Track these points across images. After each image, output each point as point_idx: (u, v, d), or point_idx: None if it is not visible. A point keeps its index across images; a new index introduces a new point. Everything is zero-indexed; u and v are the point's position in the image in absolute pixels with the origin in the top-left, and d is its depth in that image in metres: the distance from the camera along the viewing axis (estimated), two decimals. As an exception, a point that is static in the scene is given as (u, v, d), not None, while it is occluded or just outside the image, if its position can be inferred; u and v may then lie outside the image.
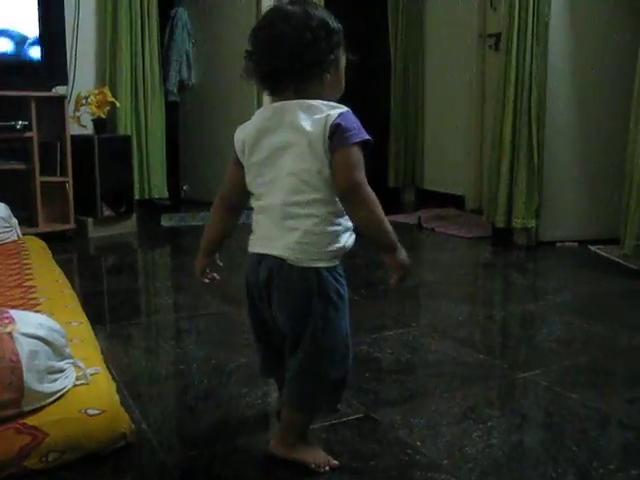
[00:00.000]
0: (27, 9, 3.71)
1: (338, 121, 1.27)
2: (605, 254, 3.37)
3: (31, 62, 3.78)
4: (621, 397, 1.74)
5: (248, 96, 4.83)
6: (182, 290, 2.97)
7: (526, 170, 3.55)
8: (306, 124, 1.29)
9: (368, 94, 5.65)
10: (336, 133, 1.27)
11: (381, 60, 5.25)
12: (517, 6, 3.50)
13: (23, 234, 3.56)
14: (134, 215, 4.18)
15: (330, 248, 1.33)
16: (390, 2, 5.24)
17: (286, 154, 1.32)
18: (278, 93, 1.35)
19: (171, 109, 5.37)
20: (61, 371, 1.58)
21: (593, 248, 3.50)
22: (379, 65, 5.32)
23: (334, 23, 1.34)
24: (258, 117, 1.38)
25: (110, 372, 1.89)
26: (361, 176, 1.28)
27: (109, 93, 4.00)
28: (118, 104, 4.11)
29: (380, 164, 5.39)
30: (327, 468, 1.40)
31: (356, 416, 1.64)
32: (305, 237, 1.31)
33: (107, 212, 4.03)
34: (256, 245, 1.40)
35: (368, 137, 1.29)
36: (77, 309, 2.34)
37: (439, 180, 5.18)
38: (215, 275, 1.60)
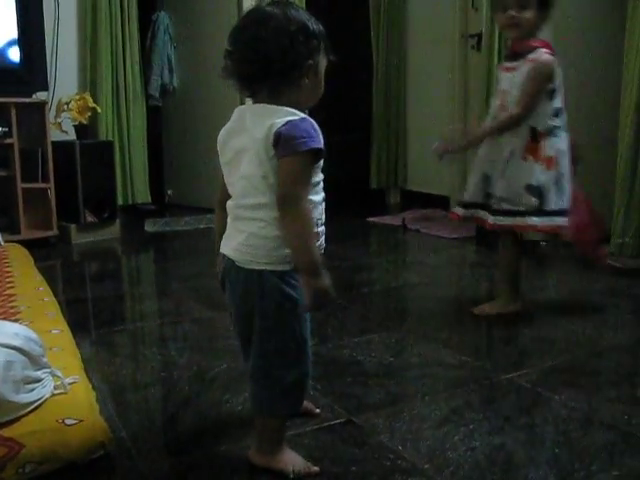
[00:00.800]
0: (5, 15, 3.68)
1: (282, 129, 1.25)
2: (590, 252, 3.38)
3: (11, 68, 3.75)
4: (604, 397, 1.73)
5: (230, 99, 4.80)
6: (165, 296, 2.96)
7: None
8: (256, 130, 1.29)
9: (350, 96, 5.66)
10: (280, 141, 1.25)
11: (362, 61, 5.24)
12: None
13: (5, 241, 3.54)
14: (117, 221, 4.15)
15: (276, 253, 1.31)
16: (372, 3, 5.23)
17: (243, 157, 1.32)
18: (253, 95, 1.34)
19: (154, 113, 5.35)
20: (38, 381, 1.56)
21: (577, 247, 3.50)
22: (360, 66, 5.33)
23: (314, 26, 1.32)
24: (231, 119, 1.39)
25: (90, 380, 1.87)
26: (300, 189, 1.26)
27: (90, 98, 3.97)
28: (99, 109, 4.09)
29: (362, 166, 5.40)
30: (306, 475, 1.39)
31: (338, 421, 1.63)
32: (249, 239, 1.32)
33: (90, 218, 4.00)
34: (221, 244, 1.42)
35: (318, 146, 1.26)
36: (58, 317, 2.32)
37: (424, 181, 5.18)
38: None
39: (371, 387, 1.84)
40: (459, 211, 2.48)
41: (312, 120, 1.29)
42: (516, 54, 2.34)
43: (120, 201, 4.43)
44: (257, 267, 1.32)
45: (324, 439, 1.55)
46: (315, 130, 1.27)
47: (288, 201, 1.26)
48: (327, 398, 1.76)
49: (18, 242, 3.55)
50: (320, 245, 1.35)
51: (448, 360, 2.01)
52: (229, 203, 1.38)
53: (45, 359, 1.63)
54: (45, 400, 1.55)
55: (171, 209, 5.22)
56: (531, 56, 2.29)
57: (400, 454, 1.46)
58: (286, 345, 1.35)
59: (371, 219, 4.52)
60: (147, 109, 4.94)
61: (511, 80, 2.33)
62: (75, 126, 4.00)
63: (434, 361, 2.00)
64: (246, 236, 1.33)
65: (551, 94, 2.33)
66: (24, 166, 3.77)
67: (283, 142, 1.25)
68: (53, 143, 3.84)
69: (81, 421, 1.48)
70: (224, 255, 1.39)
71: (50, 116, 3.95)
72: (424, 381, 1.85)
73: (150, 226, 4.46)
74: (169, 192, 5.46)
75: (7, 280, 2.72)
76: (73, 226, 3.97)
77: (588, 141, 3.56)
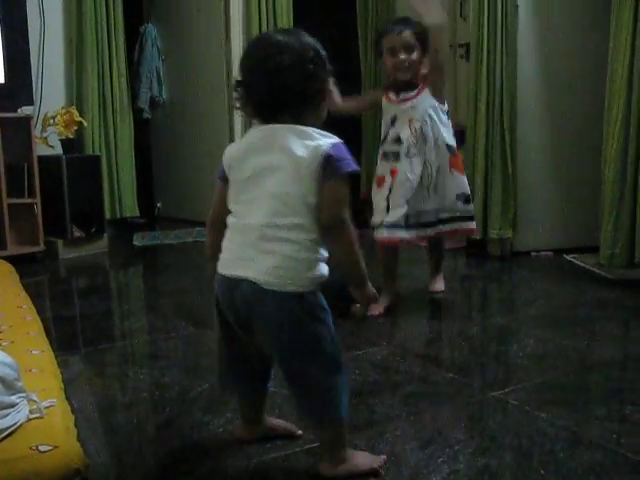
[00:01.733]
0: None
1: (330, 152, 1.30)
2: (580, 263, 3.35)
3: (-5, 82, 3.72)
4: (592, 415, 1.70)
5: (219, 112, 4.79)
6: (150, 312, 2.92)
7: (501, 179, 3.53)
8: (297, 149, 1.31)
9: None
10: (328, 163, 1.29)
11: (350, 73, 5.20)
12: (486, 15, 3.50)
13: (-9, 257, 3.51)
14: (105, 235, 4.11)
15: (308, 275, 1.33)
16: (359, 10, 5.20)
17: (271, 176, 1.33)
18: (271, 121, 1.37)
19: (143, 126, 5.33)
20: (12, 406, 1.52)
21: (568, 257, 3.48)
22: (348, 78, 5.29)
23: (322, 50, 1.38)
24: (250, 136, 1.40)
25: (70, 402, 1.83)
26: (345, 212, 1.32)
27: (76, 112, 3.94)
28: (85, 123, 4.06)
29: (353, 178, 5.35)
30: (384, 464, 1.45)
31: (318, 443, 1.59)
32: (285, 262, 1.31)
33: (77, 233, 3.96)
34: (229, 266, 1.38)
35: (356, 167, 1.33)
36: (40, 336, 2.28)
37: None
38: None
39: (355, 407, 1.80)
40: (401, 233, 2.60)
41: None
42: (403, 88, 2.66)
43: (108, 215, 4.40)
44: (296, 289, 1.32)
45: (303, 463, 1.51)
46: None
47: (337, 227, 1.32)
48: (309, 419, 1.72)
49: (4, 258, 3.52)
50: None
51: (435, 377, 1.97)
52: (249, 222, 1.35)
53: (20, 383, 1.59)
54: (20, 425, 1.51)
55: (161, 222, 5.19)
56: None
57: (382, 479, 1.42)
58: (329, 354, 1.38)
59: (361, 231, 4.48)
60: (135, 122, 4.92)
61: (412, 109, 2.64)
62: (61, 140, 3.97)
63: (420, 379, 1.97)
64: (280, 258, 1.31)
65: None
66: (10, 181, 3.74)
67: (332, 164, 1.30)
68: (39, 158, 3.81)
69: (56, 447, 1.44)
70: (236, 278, 1.35)
71: (37, 131, 3.92)
72: (409, 400, 1.82)
73: (138, 240, 4.42)
74: (158, 205, 5.43)
75: (-11, 299, 2.68)
76: (60, 241, 3.93)
77: (577, 150, 3.56)
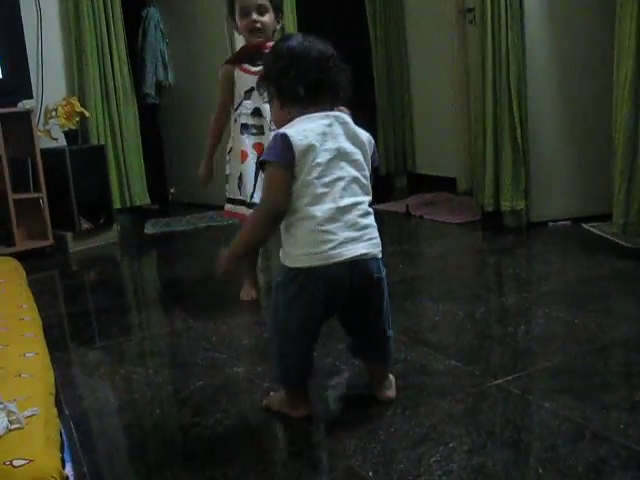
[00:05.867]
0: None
1: (372, 140, 1.60)
2: (598, 232, 3.21)
3: (-8, 78, 3.67)
4: (598, 403, 1.59)
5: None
6: (153, 306, 2.88)
7: (510, 148, 3.38)
8: (361, 136, 1.56)
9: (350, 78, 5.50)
10: (374, 148, 1.60)
11: (360, 45, 5.06)
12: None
13: (1, 254, 3.48)
14: (114, 225, 4.07)
15: None
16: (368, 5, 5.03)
17: (345, 160, 1.51)
18: (318, 104, 1.55)
19: (151, 111, 5.26)
20: (-11, 419, 1.48)
21: (586, 226, 3.34)
22: (359, 51, 5.15)
23: None
24: (316, 123, 1.51)
25: (60, 406, 1.80)
26: None
27: (77, 103, 3.88)
28: (87, 114, 3.99)
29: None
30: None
31: (308, 444, 1.53)
32: (375, 232, 1.54)
33: (86, 225, 3.92)
34: (342, 252, 1.48)
35: None
36: (36, 338, 2.24)
37: (431, 163, 5.01)
38: None
39: (349, 401, 1.73)
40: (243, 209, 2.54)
41: None
42: (257, 56, 2.43)
43: (118, 204, 4.36)
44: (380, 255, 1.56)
45: (292, 464, 1.44)
46: None
47: None
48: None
49: (14, 254, 3.49)
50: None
51: (435, 366, 1.88)
52: (344, 204, 1.49)
53: (-3, 395, 1.54)
54: (-2, 438, 1.47)
55: (175, 207, 5.13)
56: None
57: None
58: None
59: (375, 206, 4.36)
60: (143, 107, 4.85)
61: None
62: (65, 132, 3.92)
63: (420, 368, 1.88)
64: (373, 229, 1.54)
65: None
66: (14, 177, 3.71)
67: (373, 151, 1.59)
68: (43, 151, 3.76)
69: (31, 461, 1.39)
70: (353, 260, 1.49)
71: (39, 124, 3.88)
72: (406, 392, 1.73)
73: (150, 228, 4.38)
74: (172, 190, 5.37)
75: (-10, 298, 2.66)
76: (69, 234, 3.89)
77: (589, 115, 3.39)
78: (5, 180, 3.65)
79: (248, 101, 2.53)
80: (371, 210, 1.54)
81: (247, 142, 2.53)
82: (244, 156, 2.53)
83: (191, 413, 1.72)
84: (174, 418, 1.74)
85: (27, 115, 3.71)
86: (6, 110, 3.64)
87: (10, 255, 3.48)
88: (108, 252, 3.91)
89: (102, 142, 4.19)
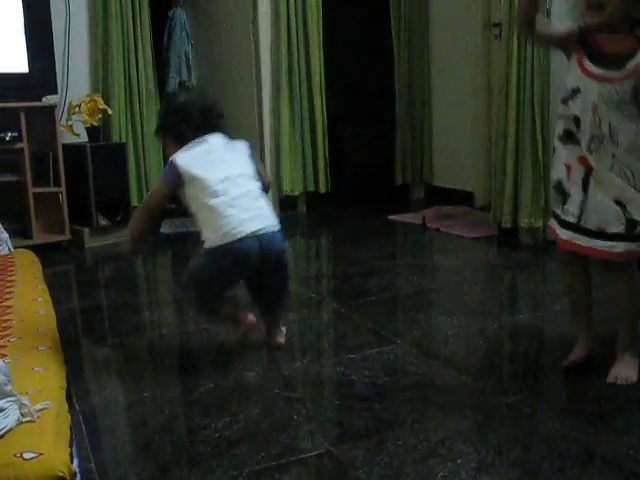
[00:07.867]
0: (13, 20, 3.63)
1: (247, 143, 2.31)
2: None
3: (19, 72, 3.70)
4: (609, 427, 1.58)
5: (248, 96, 4.73)
6: (165, 304, 2.89)
7: (531, 166, 3.37)
8: (238, 145, 2.31)
9: (372, 89, 5.51)
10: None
11: (383, 53, 5.07)
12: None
13: (18, 247, 3.50)
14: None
15: None
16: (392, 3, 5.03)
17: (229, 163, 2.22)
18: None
19: (173, 112, 5.28)
20: (1, 410, 1.49)
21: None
22: (381, 59, 5.16)
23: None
24: (199, 147, 2.19)
25: (71, 401, 1.81)
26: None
27: (100, 100, 3.91)
28: (110, 111, 4.02)
29: (387, 162, 5.23)
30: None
31: (316, 452, 1.53)
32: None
33: (103, 221, 3.95)
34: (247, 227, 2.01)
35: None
36: (49, 332, 2.25)
37: (449, 176, 5.00)
38: None
39: (358, 412, 1.72)
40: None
41: None
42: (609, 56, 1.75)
43: (136, 202, 4.37)
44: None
45: (298, 472, 1.45)
46: None
47: None
48: (310, 425, 1.66)
49: (31, 247, 3.51)
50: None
51: (446, 381, 1.88)
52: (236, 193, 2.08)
53: (10, 387, 1.55)
54: (9, 430, 1.48)
55: (191, 208, 5.14)
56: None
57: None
58: None
59: (392, 217, 4.37)
60: (164, 108, 4.87)
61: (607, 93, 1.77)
62: (87, 128, 3.94)
63: (430, 382, 1.88)
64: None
65: None
66: (35, 170, 3.73)
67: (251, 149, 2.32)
68: (64, 146, 3.79)
69: (40, 454, 1.40)
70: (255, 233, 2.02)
71: (62, 119, 3.91)
72: (415, 405, 1.73)
73: (166, 227, 4.40)
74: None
75: (7, 290, 2.67)
76: (86, 230, 3.92)
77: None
78: (26, 173, 3.68)
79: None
80: (263, 194, 2.12)
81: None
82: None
83: (200, 415, 1.73)
84: (183, 419, 1.75)
85: (51, 110, 3.74)
86: (30, 104, 3.67)
87: (27, 248, 3.51)
88: (124, 249, 3.92)
89: (123, 140, 4.22)
